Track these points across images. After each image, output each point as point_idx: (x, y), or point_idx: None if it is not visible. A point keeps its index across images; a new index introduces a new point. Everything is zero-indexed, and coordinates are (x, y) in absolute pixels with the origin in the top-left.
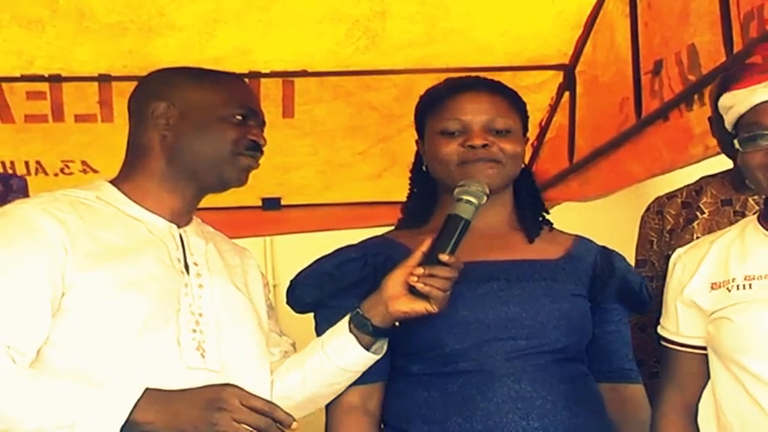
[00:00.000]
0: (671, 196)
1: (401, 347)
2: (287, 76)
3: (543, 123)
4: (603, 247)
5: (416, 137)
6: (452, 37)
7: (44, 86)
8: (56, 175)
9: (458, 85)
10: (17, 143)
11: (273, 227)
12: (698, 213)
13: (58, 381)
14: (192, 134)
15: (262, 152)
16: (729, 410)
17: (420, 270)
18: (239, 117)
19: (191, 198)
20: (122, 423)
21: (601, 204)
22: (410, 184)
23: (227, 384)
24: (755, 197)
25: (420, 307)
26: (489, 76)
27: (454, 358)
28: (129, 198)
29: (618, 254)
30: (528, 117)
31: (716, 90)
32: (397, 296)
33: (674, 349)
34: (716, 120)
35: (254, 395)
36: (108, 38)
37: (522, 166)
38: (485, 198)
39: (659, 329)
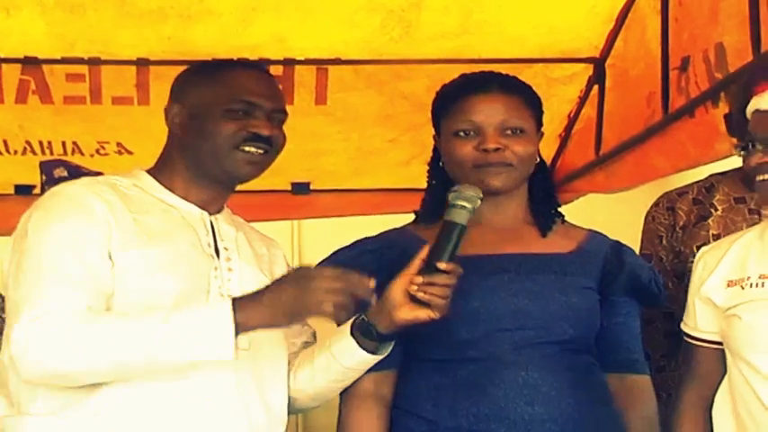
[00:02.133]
0: (681, 193)
1: (415, 335)
2: (321, 63)
3: (572, 115)
4: (615, 242)
5: (433, 132)
6: (485, 28)
7: (83, 69)
8: (91, 155)
9: (470, 84)
10: (55, 124)
11: (302, 211)
12: (711, 210)
13: (154, 316)
14: (196, 132)
15: (270, 143)
16: (740, 404)
17: (419, 279)
18: (240, 111)
19: (215, 190)
20: (233, 336)
21: (626, 197)
22: (428, 178)
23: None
24: None
25: (423, 314)
26: (521, 67)
27: (465, 346)
28: (164, 186)
29: (629, 249)
30: (542, 111)
31: (742, 91)
32: (400, 304)
33: (693, 344)
34: (737, 119)
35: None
36: (148, 23)
37: (537, 161)
38: (479, 202)
39: (681, 325)
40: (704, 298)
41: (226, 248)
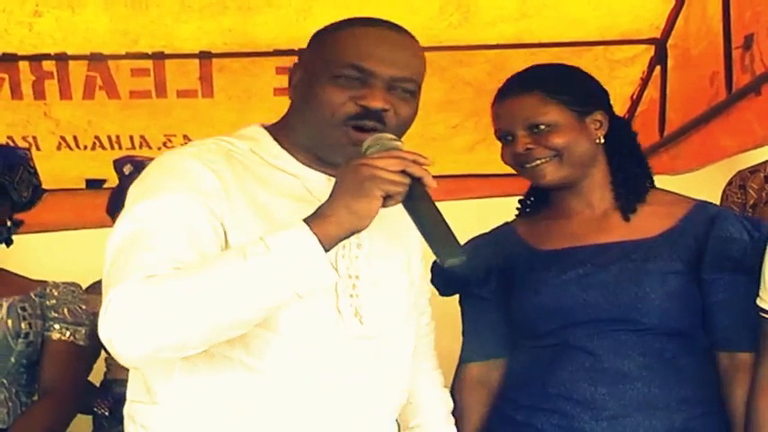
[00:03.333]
0: (754, 171)
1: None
2: None
3: (634, 97)
4: (713, 215)
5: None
6: (544, 12)
7: (148, 63)
8: (159, 148)
9: (498, 92)
10: (123, 118)
11: None
12: None
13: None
14: (303, 98)
15: (383, 121)
16: None
17: None
18: (349, 77)
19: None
20: (323, 255)
21: (692, 177)
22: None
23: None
24: None
25: None
26: (581, 50)
27: (544, 336)
28: (286, 150)
29: (724, 221)
30: (584, 90)
31: None
32: None
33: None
34: None
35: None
36: (208, 16)
37: (600, 141)
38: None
39: (758, 301)
40: None
41: None
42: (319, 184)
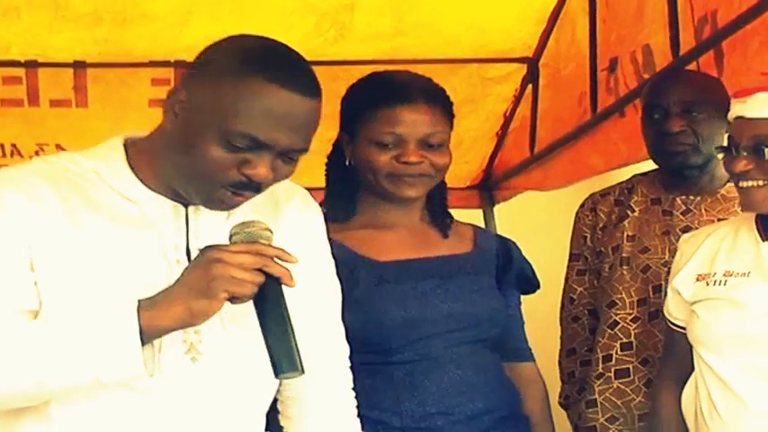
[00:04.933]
0: (604, 194)
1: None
2: None
3: (507, 114)
4: (500, 237)
5: (341, 131)
6: (419, 30)
7: (20, 72)
8: (30, 157)
9: (395, 92)
10: None
11: None
12: (628, 212)
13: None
14: (180, 141)
15: (260, 190)
16: (701, 392)
17: None
18: (242, 146)
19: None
20: (139, 348)
21: (564, 194)
22: (329, 177)
23: (207, 248)
24: (683, 197)
25: None
26: (455, 67)
27: (400, 350)
28: (134, 172)
29: (512, 242)
30: (454, 115)
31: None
32: None
33: (669, 327)
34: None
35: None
36: (83, 26)
37: None
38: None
39: (665, 311)
40: (674, 289)
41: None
42: (160, 210)
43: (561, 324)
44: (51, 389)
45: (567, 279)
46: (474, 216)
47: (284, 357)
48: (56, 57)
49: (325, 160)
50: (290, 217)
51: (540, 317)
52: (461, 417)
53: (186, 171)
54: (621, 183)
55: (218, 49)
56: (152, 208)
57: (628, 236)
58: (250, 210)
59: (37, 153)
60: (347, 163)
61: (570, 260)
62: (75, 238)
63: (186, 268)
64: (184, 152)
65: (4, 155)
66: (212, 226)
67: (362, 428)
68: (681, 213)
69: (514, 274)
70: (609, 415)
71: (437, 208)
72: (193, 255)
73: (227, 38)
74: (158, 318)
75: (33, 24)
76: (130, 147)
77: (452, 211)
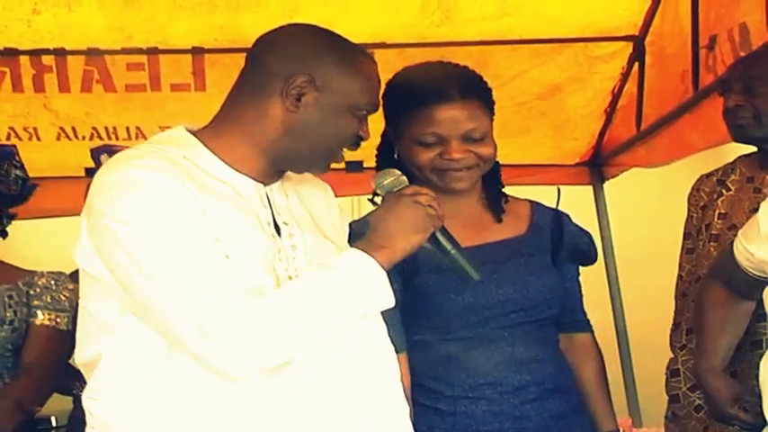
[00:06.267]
0: (710, 174)
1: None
2: (367, 47)
3: (615, 91)
4: (555, 211)
5: (386, 124)
6: (524, 10)
7: (143, 58)
8: None
9: (429, 92)
10: (119, 111)
11: (358, 188)
12: (724, 191)
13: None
14: (322, 118)
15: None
16: None
17: None
18: (365, 112)
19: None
20: (384, 279)
21: (669, 171)
22: (380, 168)
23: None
24: None
25: None
26: (560, 47)
27: (456, 331)
28: (217, 155)
29: (566, 216)
30: (494, 102)
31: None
32: None
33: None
34: None
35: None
36: (199, 14)
37: None
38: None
39: (736, 242)
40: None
41: (285, 223)
42: (248, 190)
43: (674, 299)
44: (334, 325)
45: (680, 257)
46: (584, 192)
47: (471, 267)
48: (175, 44)
49: (375, 152)
50: (332, 202)
51: (652, 291)
52: (509, 388)
53: (313, 144)
54: (728, 163)
55: (319, 40)
56: (243, 188)
57: (720, 213)
58: (303, 197)
59: None
60: (395, 156)
61: (683, 239)
62: (205, 217)
63: (388, 212)
64: (325, 131)
65: (129, 137)
66: (281, 202)
67: (417, 396)
68: None
69: (567, 248)
70: (691, 384)
71: (492, 192)
72: (282, 229)
73: (293, 30)
74: (392, 253)
75: (153, 14)
76: (200, 135)
77: (563, 188)
